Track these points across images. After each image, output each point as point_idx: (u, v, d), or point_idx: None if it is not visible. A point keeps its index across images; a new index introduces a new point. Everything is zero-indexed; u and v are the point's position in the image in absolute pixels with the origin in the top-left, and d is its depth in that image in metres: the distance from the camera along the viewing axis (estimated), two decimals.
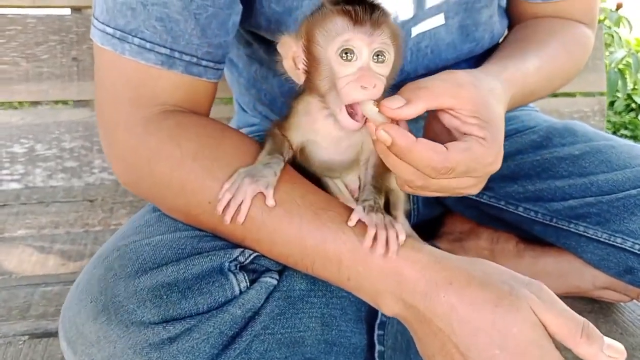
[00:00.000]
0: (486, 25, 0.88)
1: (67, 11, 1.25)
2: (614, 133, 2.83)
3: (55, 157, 1.25)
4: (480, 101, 0.63)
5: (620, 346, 0.58)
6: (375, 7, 0.61)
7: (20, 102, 1.25)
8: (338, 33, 0.60)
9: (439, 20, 0.82)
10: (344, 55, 0.60)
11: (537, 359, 0.57)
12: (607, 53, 2.85)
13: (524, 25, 0.92)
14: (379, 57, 0.60)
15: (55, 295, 0.95)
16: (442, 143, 0.61)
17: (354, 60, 0.60)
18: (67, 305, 0.65)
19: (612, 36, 2.84)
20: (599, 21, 2.73)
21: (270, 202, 0.63)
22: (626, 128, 2.91)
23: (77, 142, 1.25)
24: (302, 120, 0.68)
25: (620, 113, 3.02)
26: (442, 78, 0.63)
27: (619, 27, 2.84)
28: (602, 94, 1.62)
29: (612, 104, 2.97)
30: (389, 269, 0.63)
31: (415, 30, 0.81)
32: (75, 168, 1.26)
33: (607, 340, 0.58)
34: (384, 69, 0.61)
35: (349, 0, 0.60)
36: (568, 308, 0.60)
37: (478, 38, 0.88)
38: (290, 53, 0.63)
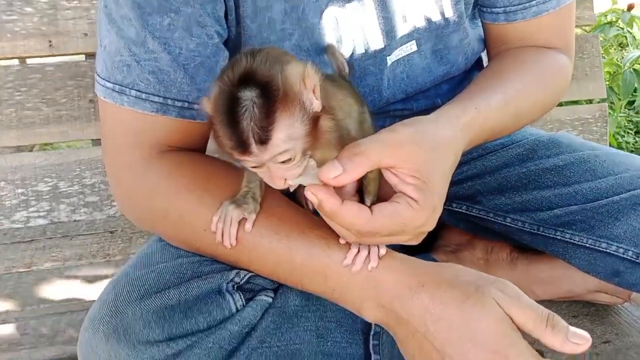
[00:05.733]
0: (458, 49, 0.93)
1: (82, 57, 1.35)
2: (637, 133, 2.82)
3: (77, 193, 1.33)
4: (421, 159, 0.63)
5: (585, 334, 0.62)
6: (254, 128, 0.53)
7: (43, 144, 1.34)
8: (227, 149, 0.56)
9: (411, 47, 0.88)
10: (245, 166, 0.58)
11: (507, 348, 0.62)
12: (623, 54, 2.84)
13: (499, 57, 0.92)
14: (284, 162, 0.57)
15: (80, 322, 1.01)
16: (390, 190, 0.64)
17: (258, 168, 0.58)
18: (84, 328, 0.72)
19: (626, 37, 2.85)
20: (610, 23, 2.75)
21: (248, 226, 0.69)
22: None
23: (97, 177, 1.33)
24: None
25: None
26: (381, 139, 0.63)
27: (632, 28, 2.84)
28: (602, 100, 1.65)
29: (631, 103, 2.95)
30: (368, 278, 0.68)
31: (390, 59, 0.87)
32: (96, 202, 1.34)
33: (572, 328, 0.62)
34: (294, 163, 0.57)
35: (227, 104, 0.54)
36: (533, 301, 0.64)
37: (452, 61, 0.93)
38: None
